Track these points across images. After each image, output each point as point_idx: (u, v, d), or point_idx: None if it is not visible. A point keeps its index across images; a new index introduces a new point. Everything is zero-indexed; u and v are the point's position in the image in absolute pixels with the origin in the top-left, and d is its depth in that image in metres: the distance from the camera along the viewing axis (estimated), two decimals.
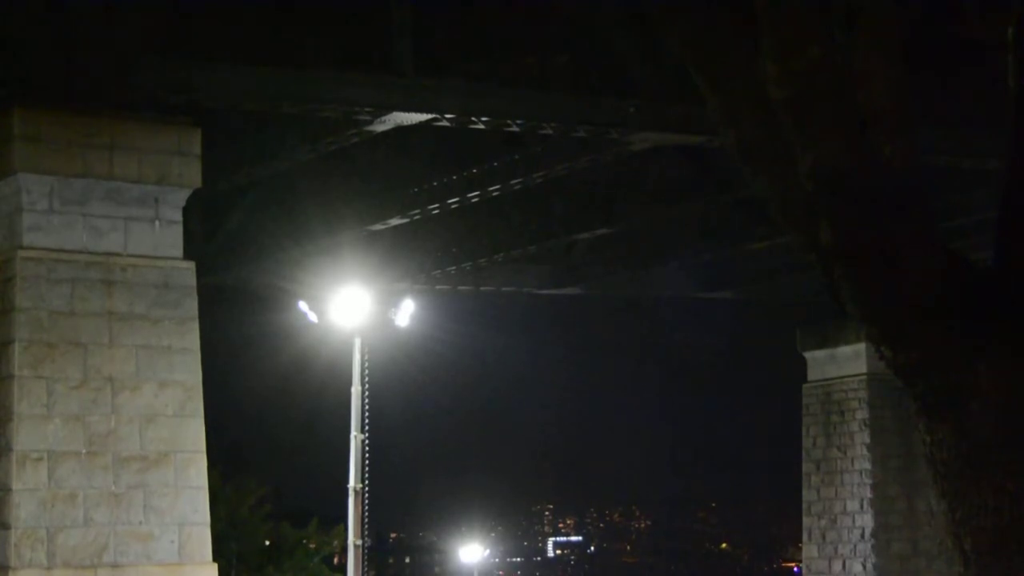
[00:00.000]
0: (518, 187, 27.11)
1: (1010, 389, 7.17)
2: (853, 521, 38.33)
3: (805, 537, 39.84)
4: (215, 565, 20.33)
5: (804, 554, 39.86)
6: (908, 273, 7.16)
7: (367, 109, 22.13)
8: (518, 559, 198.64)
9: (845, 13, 7.00)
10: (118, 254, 20.08)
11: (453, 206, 28.05)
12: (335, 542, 41.48)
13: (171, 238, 20.51)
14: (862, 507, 38.14)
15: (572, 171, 26.94)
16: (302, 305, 29.24)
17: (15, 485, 19.02)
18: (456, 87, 22.63)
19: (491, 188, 27.01)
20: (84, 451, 19.42)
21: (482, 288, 35.76)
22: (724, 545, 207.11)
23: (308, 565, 41.16)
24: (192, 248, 22.15)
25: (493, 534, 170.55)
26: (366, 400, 29.16)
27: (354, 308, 28.89)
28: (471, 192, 27.29)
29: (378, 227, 29.82)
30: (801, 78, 6.96)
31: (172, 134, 20.56)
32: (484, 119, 22.90)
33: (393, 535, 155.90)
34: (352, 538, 29.24)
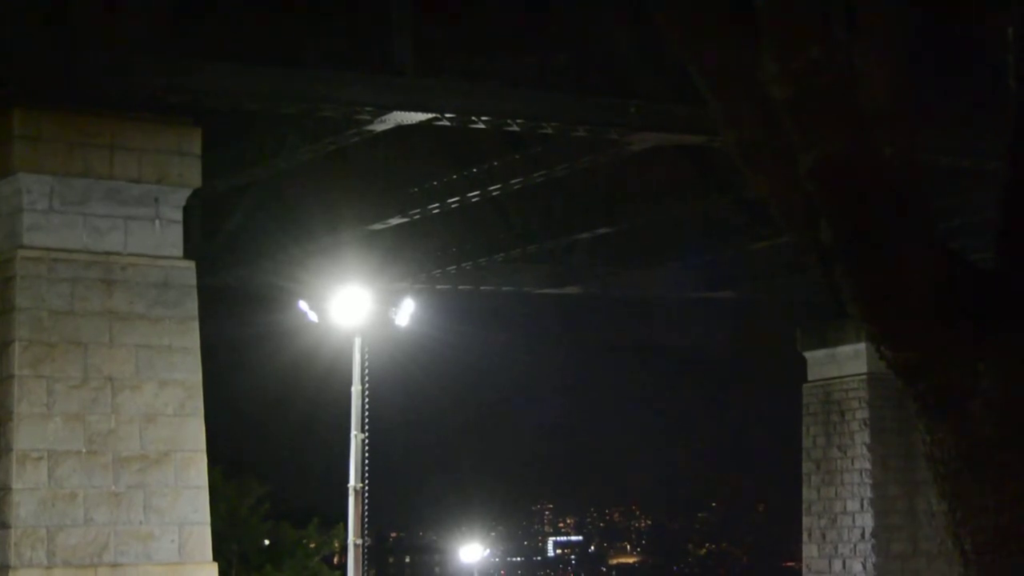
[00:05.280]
0: (518, 187, 27.11)
1: (1010, 389, 7.17)
2: (853, 521, 38.33)
3: (805, 537, 39.83)
4: (215, 565, 20.34)
5: (804, 554, 39.84)
6: (908, 273, 7.16)
7: (367, 109, 22.13)
8: (518, 559, 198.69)
9: (845, 13, 7.00)
10: (118, 253, 20.09)
11: (453, 206, 28.05)
12: (335, 542, 41.52)
13: (171, 238, 20.52)
14: (862, 507, 38.14)
15: (572, 171, 26.93)
16: (302, 305, 29.25)
17: (15, 484, 19.02)
18: (456, 87, 22.63)
19: (491, 188, 27.01)
20: (84, 450, 19.43)
21: (482, 288, 35.76)
22: (724, 545, 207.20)
23: (308, 565, 41.18)
24: (192, 248, 22.17)
25: (493, 534, 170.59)
26: (366, 400, 29.16)
27: (354, 308, 28.90)
28: (471, 192, 27.29)
29: (378, 227, 29.82)
30: (801, 78, 6.95)
31: (172, 134, 20.57)
32: (484, 119, 22.90)
33: (393, 535, 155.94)
34: (352, 538, 29.24)
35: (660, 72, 23.18)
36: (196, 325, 20.48)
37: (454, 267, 33.31)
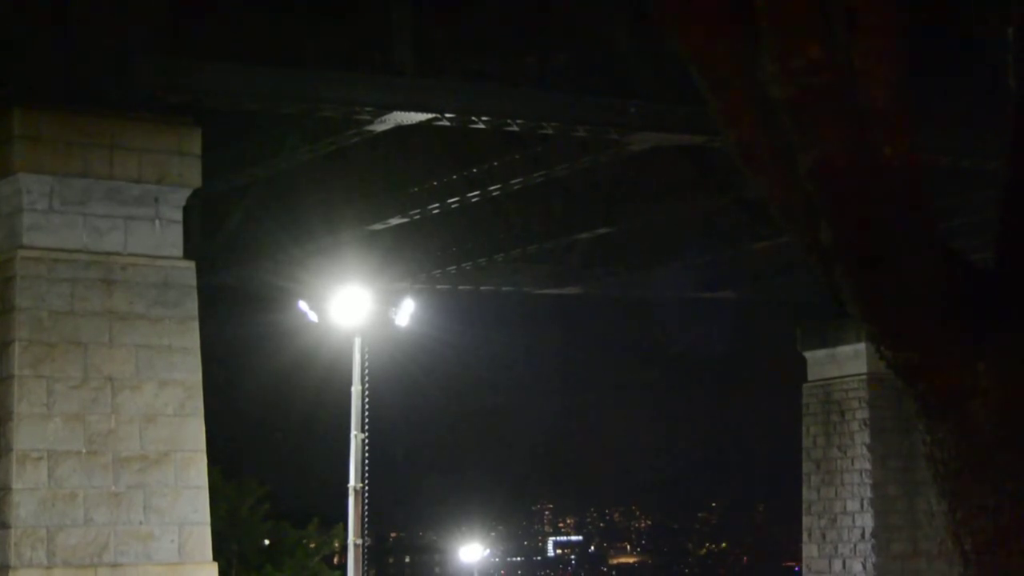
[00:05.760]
0: (518, 187, 27.12)
1: (1010, 389, 7.17)
2: (853, 521, 38.34)
3: (805, 537, 39.85)
4: (215, 565, 20.34)
5: (804, 554, 39.86)
6: (908, 273, 7.15)
7: (367, 109, 22.14)
8: (518, 559, 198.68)
9: (845, 13, 6.99)
10: (118, 253, 20.09)
11: (453, 206, 28.07)
12: (335, 542, 41.50)
13: (171, 238, 20.52)
14: (862, 507, 38.15)
15: (572, 171, 26.95)
16: (302, 305, 29.26)
17: (15, 484, 19.02)
18: (456, 87, 22.64)
19: (491, 188, 27.03)
20: (84, 450, 19.43)
21: (482, 288, 35.78)
22: (724, 545, 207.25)
23: (308, 565, 41.17)
24: (192, 248, 22.17)
25: (493, 534, 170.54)
26: (366, 400, 29.17)
27: (354, 308, 28.90)
28: (471, 192, 27.31)
29: (378, 227, 29.84)
30: (801, 78, 6.95)
31: (172, 134, 20.57)
32: (484, 119, 22.91)
33: (393, 535, 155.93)
34: (352, 538, 29.25)
35: (660, 72, 23.19)
36: (196, 325, 20.48)
37: (454, 267, 33.33)
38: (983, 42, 23.30)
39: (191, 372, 20.26)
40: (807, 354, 40.14)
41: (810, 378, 40.05)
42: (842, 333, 38.26)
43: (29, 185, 19.70)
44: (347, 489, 29.09)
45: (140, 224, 20.29)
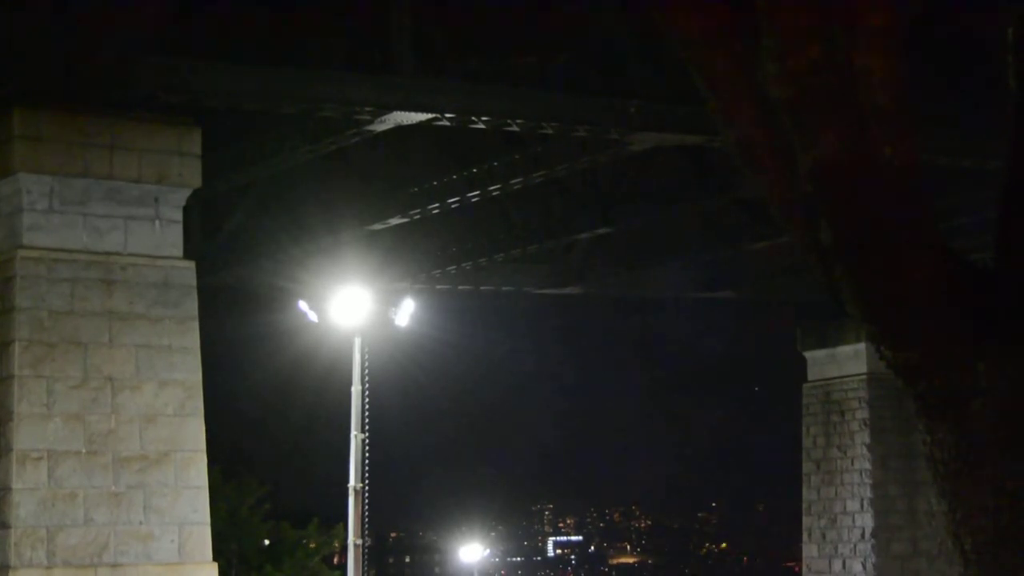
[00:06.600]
0: (518, 187, 27.11)
1: (1010, 389, 7.17)
2: (853, 521, 38.33)
3: (805, 537, 39.83)
4: (215, 565, 20.35)
5: (804, 554, 39.84)
6: (908, 273, 7.16)
7: (367, 109, 22.13)
8: (518, 559, 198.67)
9: (845, 13, 6.99)
10: (118, 253, 20.10)
11: (453, 206, 28.05)
12: (335, 542, 41.50)
13: (171, 238, 20.53)
14: (862, 507, 38.14)
15: (572, 171, 26.94)
16: (302, 305, 29.26)
17: (15, 484, 19.02)
18: (456, 87, 22.63)
19: (491, 188, 27.00)
20: (84, 451, 19.43)
21: (482, 288, 35.76)
22: (724, 545, 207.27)
23: (308, 565, 41.17)
24: (192, 248, 22.17)
25: (493, 534, 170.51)
26: (366, 400, 29.17)
27: (354, 308, 28.90)
28: (471, 192, 27.29)
29: (378, 227, 29.82)
30: (801, 78, 6.95)
31: (172, 134, 20.58)
32: (484, 119, 22.90)
33: (393, 535, 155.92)
34: (352, 538, 29.25)
35: (660, 72, 23.19)
36: (196, 325, 20.49)
37: (454, 267, 33.30)
38: (983, 42, 23.30)
39: (191, 372, 20.27)
40: (807, 354, 40.13)
41: (810, 378, 40.04)
42: (842, 333, 38.26)
43: (29, 185, 19.71)
44: (347, 489, 29.08)
45: (140, 224, 20.30)
